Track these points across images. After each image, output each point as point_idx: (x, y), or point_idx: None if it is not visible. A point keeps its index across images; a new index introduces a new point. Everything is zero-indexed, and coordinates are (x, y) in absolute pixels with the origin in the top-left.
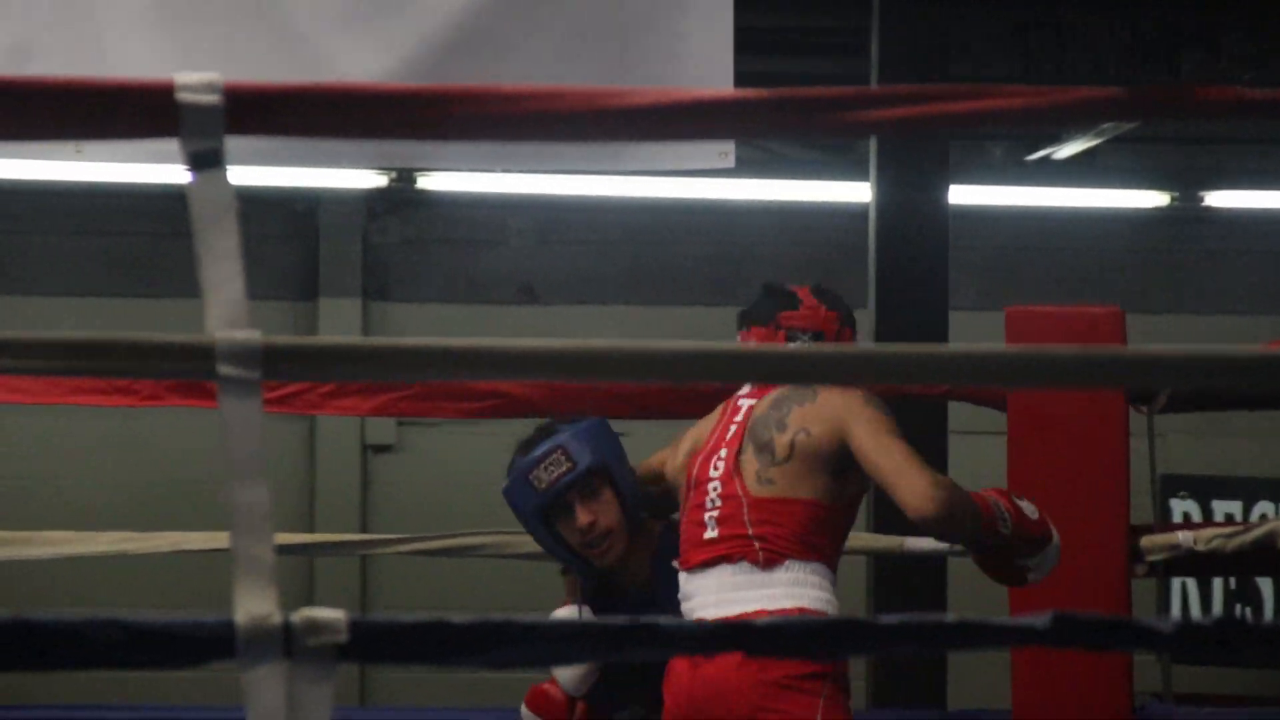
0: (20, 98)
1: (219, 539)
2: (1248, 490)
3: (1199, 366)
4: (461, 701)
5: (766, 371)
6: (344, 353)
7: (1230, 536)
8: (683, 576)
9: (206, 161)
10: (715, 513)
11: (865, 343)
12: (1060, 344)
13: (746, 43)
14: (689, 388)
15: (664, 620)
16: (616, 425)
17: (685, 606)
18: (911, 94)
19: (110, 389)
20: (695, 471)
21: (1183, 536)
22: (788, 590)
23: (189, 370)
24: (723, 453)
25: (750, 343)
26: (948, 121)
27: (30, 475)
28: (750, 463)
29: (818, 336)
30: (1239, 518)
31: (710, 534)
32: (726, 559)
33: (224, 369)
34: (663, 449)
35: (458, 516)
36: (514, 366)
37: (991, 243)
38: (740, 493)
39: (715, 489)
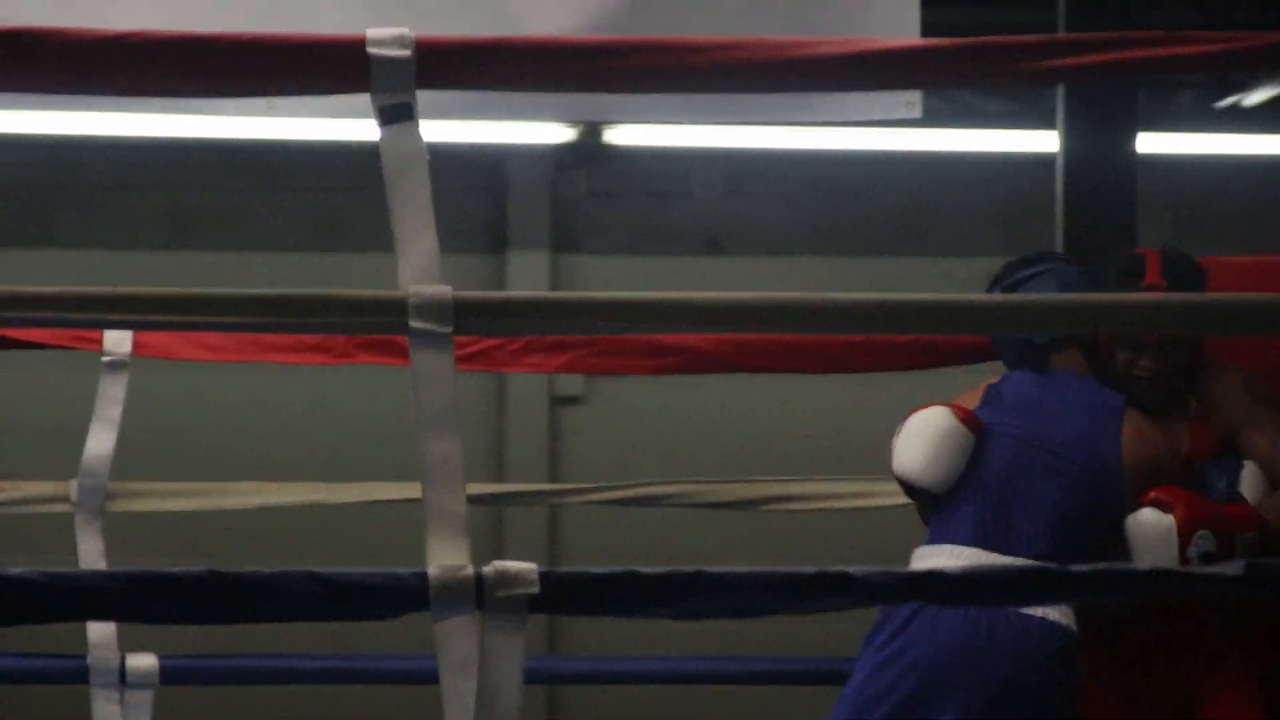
0: (217, 53)
1: (411, 489)
2: None
3: None
4: (646, 651)
5: (952, 322)
6: (534, 306)
7: None
8: None
9: (397, 115)
10: None
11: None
12: (1253, 293)
13: None
14: (875, 342)
15: (855, 570)
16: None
17: None
18: (1102, 41)
19: (302, 346)
20: None
21: None
22: None
23: (381, 325)
24: None
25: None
26: (1139, 67)
27: (223, 431)
28: None
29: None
30: None
31: None
32: None
33: (416, 323)
34: None
35: (646, 468)
36: (701, 318)
37: (1180, 191)
38: None
39: None
